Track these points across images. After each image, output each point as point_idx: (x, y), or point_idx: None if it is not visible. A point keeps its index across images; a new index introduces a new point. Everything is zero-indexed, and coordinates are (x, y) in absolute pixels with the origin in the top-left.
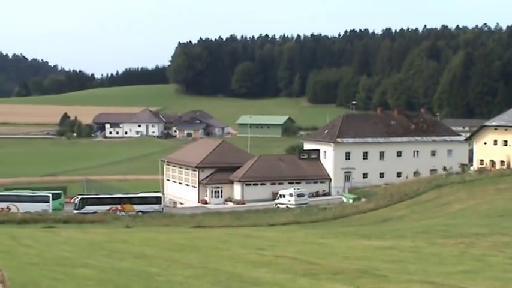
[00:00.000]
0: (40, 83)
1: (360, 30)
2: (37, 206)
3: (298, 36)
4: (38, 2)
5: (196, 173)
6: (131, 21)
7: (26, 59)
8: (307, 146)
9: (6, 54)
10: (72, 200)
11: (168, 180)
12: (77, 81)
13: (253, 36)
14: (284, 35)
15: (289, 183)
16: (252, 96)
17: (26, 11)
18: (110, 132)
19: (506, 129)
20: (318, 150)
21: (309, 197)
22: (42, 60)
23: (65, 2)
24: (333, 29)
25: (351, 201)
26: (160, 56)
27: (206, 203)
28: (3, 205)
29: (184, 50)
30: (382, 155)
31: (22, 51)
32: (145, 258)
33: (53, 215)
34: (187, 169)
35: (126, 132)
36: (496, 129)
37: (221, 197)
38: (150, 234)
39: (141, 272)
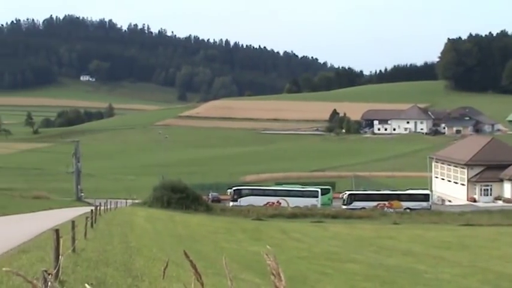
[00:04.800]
0: (310, 79)
1: None
2: (306, 200)
3: None
4: (310, 1)
5: (465, 170)
6: (400, 18)
7: (297, 56)
8: None
9: (278, 52)
10: (340, 196)
11: (436, 177)
12: (346, 78)
13: None
14: None
15: None
16: None
17: (297, 10)
18: (378, 129)
19: None
20: None
21: None
22: (312, 57)
23: (335, 1)
24: None
25: None
26: (429, 52)
27: (475, 201)
28: (274, 199)
29: (453, 46)
30: None
31: (293, 49)
32: (413, 255)
33: (322, 209)
34: (455, 166)
35: (394, 129)
36: None
37: (490, 195)
38: (418, 231)
39: (409, 269)
